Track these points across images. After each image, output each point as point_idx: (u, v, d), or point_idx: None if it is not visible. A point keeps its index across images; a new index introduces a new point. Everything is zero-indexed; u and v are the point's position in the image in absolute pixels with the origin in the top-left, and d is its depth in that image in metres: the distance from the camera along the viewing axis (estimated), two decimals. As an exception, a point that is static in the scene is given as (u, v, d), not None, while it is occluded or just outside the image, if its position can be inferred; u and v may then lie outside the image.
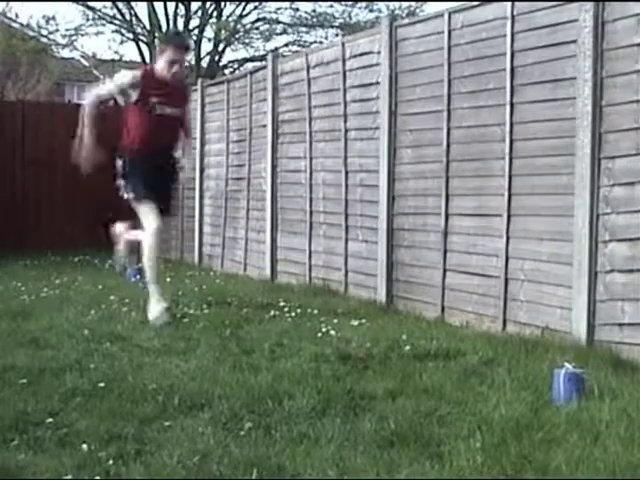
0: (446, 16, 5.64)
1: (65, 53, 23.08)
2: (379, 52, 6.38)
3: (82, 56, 23.58)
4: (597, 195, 4.48)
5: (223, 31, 21.44)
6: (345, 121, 6.84)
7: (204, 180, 9.82)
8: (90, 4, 21.74)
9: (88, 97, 5.74)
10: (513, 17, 5.10)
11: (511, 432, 3.01)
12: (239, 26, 21.94)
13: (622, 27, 4.39)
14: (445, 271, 5.68)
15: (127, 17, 22.25)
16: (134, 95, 5.58)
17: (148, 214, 5.58)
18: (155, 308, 5.48)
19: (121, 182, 5.72)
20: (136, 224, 6.01)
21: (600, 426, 3.06)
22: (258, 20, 22.55)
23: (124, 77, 5.62)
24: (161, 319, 5.38)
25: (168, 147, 5.88)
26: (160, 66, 5.66)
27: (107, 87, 5.72)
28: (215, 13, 22.22)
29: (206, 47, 22.98)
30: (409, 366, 4.10)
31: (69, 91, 27.24)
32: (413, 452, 2.84)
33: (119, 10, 22.09)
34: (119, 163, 5.71)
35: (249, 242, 8.52)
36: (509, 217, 5.14)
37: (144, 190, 5.56)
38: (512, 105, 5.11)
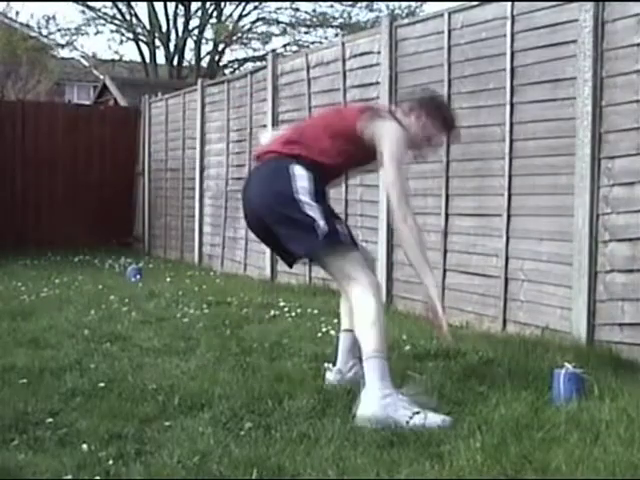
0: (446, 16, 5.65)
1: (65, 53, 23.12)
2: (379, 52, 6.38)
3: (82, 56, 23.61)
4: (597, 195, 4.49)
5: (223, 31, 21.43)
6: (345, 121, 6.83)
7: (204, 180, 9.82)
8: (90, 4, 21.76)
9: (402, 211, 3.57)
10: (513, 17, 5.10)
11: (511, 432, 3.01)
12: (240, 25, 21.92)
13: (622, 27, 4.39)
14: (445, 271, 5.68)
15: (127, 17, 22.27)
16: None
17: (356, 263, 3.56)
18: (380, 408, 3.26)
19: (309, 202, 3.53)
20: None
21: (600, 426, 3.06)
22: (258, 20, 22.57)
23: (403, 149, 3.71)
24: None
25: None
26: (411, 128, 3.75)
27: (401, 181, 3.67)
28: (215, 13, 22.24)
29: (206, 47, 22.96)
30: (409, 366, 4.09)
31: (69, 91, 27.26)
32: (413, 452, 2.84)
33: (119, 10, 22.11)
34: (301, 173, 3.57)
35: (249, 242, 8.51)
36: (509, 217, 5.14)
37: (342, 231, 3.61)
38: (512, 105, 5.11)
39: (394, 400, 3.22)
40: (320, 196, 3.56)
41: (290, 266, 3.94)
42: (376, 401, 3.20)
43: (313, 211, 3.48)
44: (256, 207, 3.68)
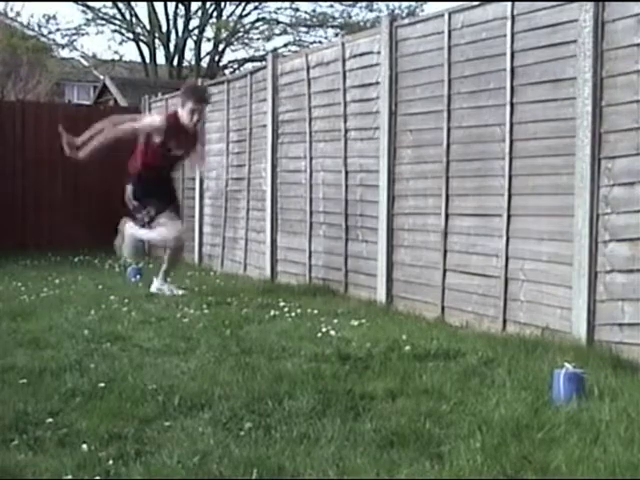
0: (446, 16, 5.64)
1: (65, 53, 23.13)
2: (379, 52, 6.38)
3: (82, 56, 23.62)
4: (597, 195, 4.48)
5: (223, 30, 21.44)
6: (345, 121, 6.85)
7: (204, 180, 9.82)
8: (90, 4, 21.77)
9: (126, 126, 7.04)
10: (513, 17, 5.10)
11: (511, 432, 3.01)
12: (239, 26, 21.94)
13: (622, 27, 4.39)
14: (445, 271, 5.68)
15: (127, 17, 22.27)
16: (157, 138, 6.75)
17: (167, 222, 6.86)
18: (157, 283, 6.96)
19: (135, 203, 7.15)
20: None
21: (600, 426, 3.06)
22: (258, 20, 22.57)
23: (155, 121, 6.90)
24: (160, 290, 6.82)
25: (171, 173, 7.27)
26: (182, 114, 6.76)
27: (142, 123, 6.97)
28: (215, 13, 22.24)
29: (206, 47, 22.97)
30: (409, 366, 4.10)
31: (69, 91, 27.29)
32: (413, 452, 2.84)
33: (119, 10, 22.11)
34: (129, 189, 7.24)
35: (249, 242, 8.52)
36: (509, 217, 5.14)
37: (158, 203, 6.88)
38: (512, 105, 5.11)
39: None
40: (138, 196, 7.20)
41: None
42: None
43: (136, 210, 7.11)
44: None
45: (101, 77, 19.06)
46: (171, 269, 7.15)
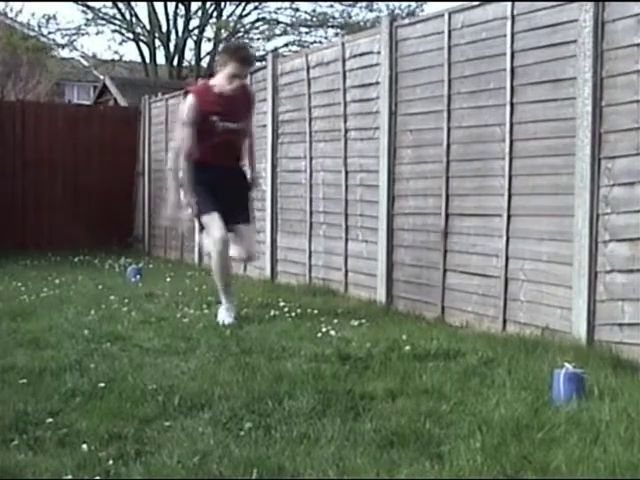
0: (446, 16, 5.64)
1: (65, 53, 23.12)
2: (379, 52, 6.38)
3: (82, 56, 23.61)
4: (597, 195, 4.48)
5: (223, 30, 21.43)
6: (345, 121, 6.85)
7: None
8: (90, 4, 21.76)
9: (171, 154, 5.77)
10: (513, 17, 5.10)
11: (511, 432, 3.01)
12: (239, 26, 21.94)
13: (622, 27, 4.39)
14: (445, 271, 5.68)
15: (127, 17, 22.26)
16: (194, 117, 5.50)
17: (213, 226, 5.53)
18: (222, 314, 5.54)
19: (184, 199, 5.73)
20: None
21: (600, 426, 3.06)
22: (258, 20, 22.56)
23: (185, 112, 5.56)
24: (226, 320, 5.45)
25: (233, 161, 5.81)
26: (219, 80, 5.54)
27: (182, 134, 5.61)
28: (215, 13, 22.23)
29: (206, 47, 22.97)
30: (409, 366, 4.10)
31: (69, 91, 27.28)
32: (413, 452, 2.84)
33: (119, 10, 22.10)
34: (181, 176, 5.66)
35: (249, 242, 8.51)
36: (509, 217, 5.14)
37: (211, 204, 5.51)
38: (512, 105, 5.11)
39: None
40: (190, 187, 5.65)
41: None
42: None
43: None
44: None
45: (101, 77, 19.06)
46: (223, 286, 5.63)
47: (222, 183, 5.52)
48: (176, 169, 5.62)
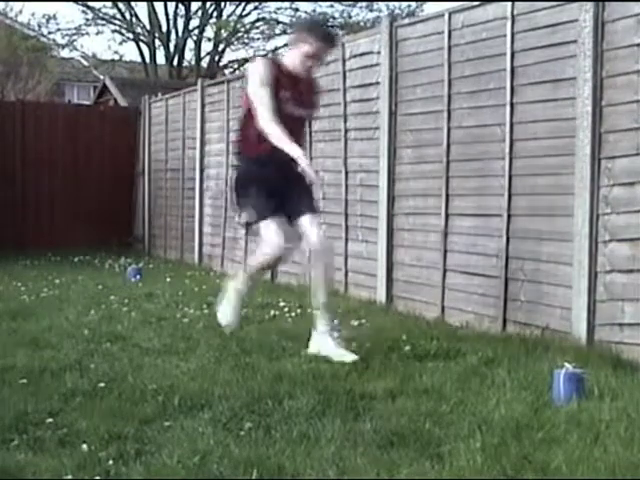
0: (446, 16, 5.64)
1: (65, 53, 23.11)
2: (379, 52, 6.38)
3: (82, 56, 23.61)
4: (597, 195, 4.48)
5: (223, 30, 21.42)
6: (345, 121, 6.84)
7: (204, 180, 9.82)
8: (90, 4, 21.75)
9: (265, 121, 4.36)
10: (513, 17, 5.10)
11: (511, 432, 3.01)
12: (239, 26, 21.92)
13: (622, 27, 4.38)
14: (445, 271, 5.68)
15: (127, 17, 22.25)
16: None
17: (270, 232, 4.45)
18: (224, 309, 4.74)
19: (236, 200, 4.68)
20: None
21: (600, 426, 3.06)
22: (258, 20, 22.55)
23: (261, 73, 4.43)
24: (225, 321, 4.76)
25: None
26: (292, 58, 4.57)
27: (263, 95, 4.40)
28: (215, 13, 22.22)
29: (206, 47, 22.96)
30: (409, 366, 4.10)
31: (69, 91, 27.28)
32: (413, 452, 2.84)
33: (119, 10, 22.09)
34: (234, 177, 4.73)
35: (249, 242, 8.50)
36: (509, 217, 5.14)
37: (270, 208, 4.48)
38: (512, 105, 5.11)
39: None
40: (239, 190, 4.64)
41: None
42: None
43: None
44: None
45: (101, 77, 19.06)
46: (248, 283, 4.75)
47: (285, 176, 4.51)
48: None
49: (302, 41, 4.51)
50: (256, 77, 4.43)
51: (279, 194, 4.51)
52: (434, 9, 6.32)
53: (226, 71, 21.77)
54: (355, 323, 5.34)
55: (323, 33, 4.62)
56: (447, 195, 5.67)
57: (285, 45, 22.41)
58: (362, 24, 21.02)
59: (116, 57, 22.53)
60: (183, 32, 22.10)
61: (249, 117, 4.51)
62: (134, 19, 22.11)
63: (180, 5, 21.79)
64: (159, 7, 21.78)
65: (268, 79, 4.39)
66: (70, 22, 31.61)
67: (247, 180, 4.60)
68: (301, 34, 4.58)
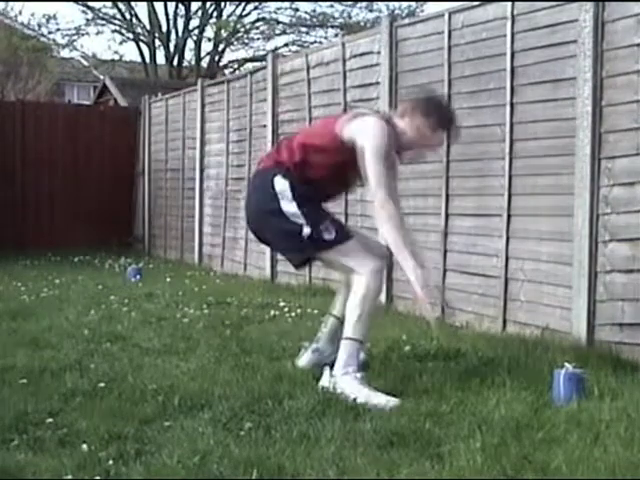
0: (446, 16, 5.65)
1: (65, 53, 23.12)
2: (379, 52, 6.38)
3: (82, 56, 23.62)
4: (597, 195, 4.48)
5: (223, 30, 21.43)
6: (345, 121, 6.83)
7: (204, 180, 9.82)
8: (90, 4, 21.75)
9: (380, 202, 3.71)
10: (513, 17, 5.10)
11: (511, 432, 3.01)
12: (239, 26, 21.92)
13: (622, 27, 4.39)
14: (445, 271, 5.68)
15: (127, 17, 22.26)
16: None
17: (358, 253, 3.82)
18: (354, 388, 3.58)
19: (296, 211, 3.74)
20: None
21: (600, 426, 3.06)
22: (258, 20, 22.56)
23: (385, 139, 3.71)
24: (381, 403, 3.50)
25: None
26: (408, 129, 3.80)
27: (382, 173, 3.69)
28: (215, 13, 22.23)
29: (206, 47, 22.96)
30: (409, 366, 4.10)
31: (69, 91, 27.28)
32: (413, 452, 2.84)
33: (119, 10, 22.09)
34: (282, 182, 3.79)
35: (249, 242, 8.51)
36: (509, 217, 5.14)
37: (346, 229, 3.98)
38: (512, 105, 5.11)
39: (350, 379, 3.58)
40: (304, 200, 3.76)
41: (296, 268, 4.19)
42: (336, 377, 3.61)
43: (297, 218, 3.73)
44: (252, 219, 4.08)
45: (101, 77, 19.06)
46: (368, 323, 3.86)
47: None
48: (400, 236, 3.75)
49: (418, 116, 3.78)
50: (377, 149, 3.67)
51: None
52: (434, 9, 6.32)
53: (226, 71, 21.77)
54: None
55: (445, 117, 3.90)
56: (447, 195, 5.67)
57: (285, 45, 22.41)
58: (362, 24, 21.01)
59: (116, 57, 22.54)
60: (183, 32, 22.11)
61: (325, 156, 3.79)
62: (134, 19, 22.11)
63: (180, 5, 21.79)
64: (159, 7, 21.79)
65: (387, 153, 3.73)
66: (70, 22, 31.67)
67: (309, 198, 3.81)
68: (416, 108, 3.82)
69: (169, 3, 21.66)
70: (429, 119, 3.78)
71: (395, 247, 3.73)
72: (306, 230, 3.71)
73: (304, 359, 4.10)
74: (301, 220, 3.72)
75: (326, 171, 3.80)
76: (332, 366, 3.69)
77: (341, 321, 3.94)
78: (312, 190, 3.79)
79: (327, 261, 3.97)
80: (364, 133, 3.71)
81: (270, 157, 4.03)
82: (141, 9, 33.32)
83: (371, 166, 3.68)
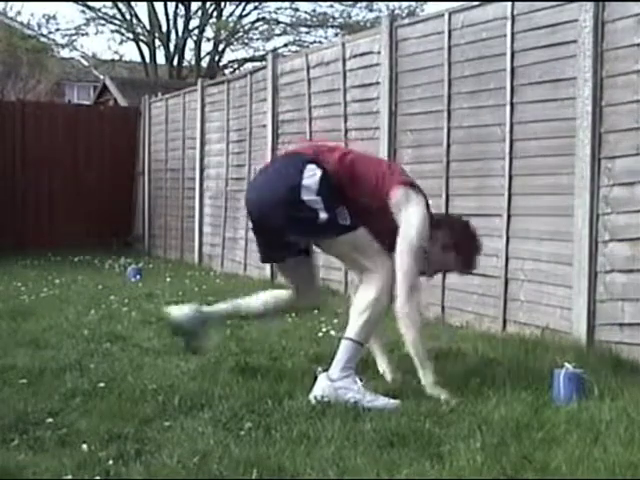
0: (446, 16, 5.65)
1: (65, 53, 23.13)
2: (379, 52, 6.38)
3: (82, 56, 23.63)
4: (597, 195, 4.49)
5: (223, 30, 21.44)
6: (345, 121, 6.84)
7: (204, 180, 9.82)
8: (90, 4, 21.77)
9: (401, 298, 3.62)
10: (513, 17, 5.10)
11: (511, 432, 3.01)
12: (239, 26, 21.93)
13: (622, 27, 4.39)
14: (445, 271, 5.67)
15: (127, 17, 22.27)
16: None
17: (372, 249, 3.70)
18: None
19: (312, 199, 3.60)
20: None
21: (600, 426, 3.06)
22: (258, 20, 22.57)
23: (427, 225, 3.73)
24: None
25: None
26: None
27: (412, 268, 3.63)
28: (215, 13, 22.24)
29: (206, 47, 22.97)
30: (409, 366, 4.09)
31: (69, 91, 27.27)
32: (413, 452, 2.84)
33: (119, 10, 22.11)
34: (315, 172, 3.63)
35: (249, 242, 8.51)
36: (509, 217, 5.14)
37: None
38: (512, 105, 5.11)
39: (348, 383, 3.49)
40: (324, 189, 3.61)
41: (275, 261, 4.28)
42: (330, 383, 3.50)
43: (316, 204, 3.60)
44: (259, 203, 3.93)
45: (101, 77, 19.07)
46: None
47: None
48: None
49: (445, 233, 3.87)
50: (420, 234, 3.67)
51: None
52: (434, 9, 6.32)
53: (226, 71, 21.77)
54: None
55: (467, 243, 4.03)
56: (447, 195, 5.67)
57: (285, 45, 22.40)
58: (362, 24, 21.02)
59: (116, 57, 22.56)
60: (183, 32, 22.12)
61: (368, 199, 3.70)
62: (134, 19, 22.13)
63: (180, 5, 21.81)
64: (159, 7, 21.80)
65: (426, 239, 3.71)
66: (70, 22, 31.64)
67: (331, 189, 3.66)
68: (443, 226, 3.92)
69: (169, 3, 21.69)
70: (459, 256, 3.97)
71: (416, 354, 3.70)
72: (322, 215, 3.58)
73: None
74: (319, 205, 3.58)
75: (359, 202, 3.68)
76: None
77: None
78: (337, 191, 3.65)
79: (339, 253, 3.89)
80: (414, 225, 3.67)
81: (309, 147, 3.93)
82: (141, 9, 33.34)
83: (406, 266, 3.61)
